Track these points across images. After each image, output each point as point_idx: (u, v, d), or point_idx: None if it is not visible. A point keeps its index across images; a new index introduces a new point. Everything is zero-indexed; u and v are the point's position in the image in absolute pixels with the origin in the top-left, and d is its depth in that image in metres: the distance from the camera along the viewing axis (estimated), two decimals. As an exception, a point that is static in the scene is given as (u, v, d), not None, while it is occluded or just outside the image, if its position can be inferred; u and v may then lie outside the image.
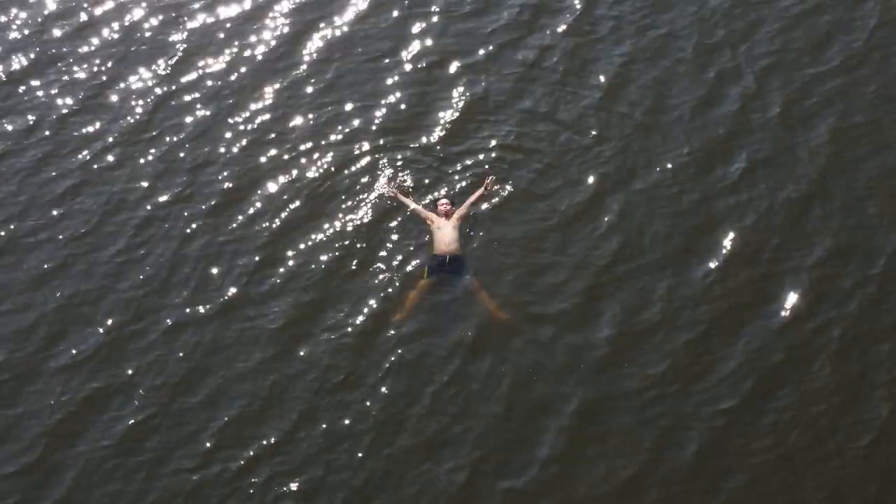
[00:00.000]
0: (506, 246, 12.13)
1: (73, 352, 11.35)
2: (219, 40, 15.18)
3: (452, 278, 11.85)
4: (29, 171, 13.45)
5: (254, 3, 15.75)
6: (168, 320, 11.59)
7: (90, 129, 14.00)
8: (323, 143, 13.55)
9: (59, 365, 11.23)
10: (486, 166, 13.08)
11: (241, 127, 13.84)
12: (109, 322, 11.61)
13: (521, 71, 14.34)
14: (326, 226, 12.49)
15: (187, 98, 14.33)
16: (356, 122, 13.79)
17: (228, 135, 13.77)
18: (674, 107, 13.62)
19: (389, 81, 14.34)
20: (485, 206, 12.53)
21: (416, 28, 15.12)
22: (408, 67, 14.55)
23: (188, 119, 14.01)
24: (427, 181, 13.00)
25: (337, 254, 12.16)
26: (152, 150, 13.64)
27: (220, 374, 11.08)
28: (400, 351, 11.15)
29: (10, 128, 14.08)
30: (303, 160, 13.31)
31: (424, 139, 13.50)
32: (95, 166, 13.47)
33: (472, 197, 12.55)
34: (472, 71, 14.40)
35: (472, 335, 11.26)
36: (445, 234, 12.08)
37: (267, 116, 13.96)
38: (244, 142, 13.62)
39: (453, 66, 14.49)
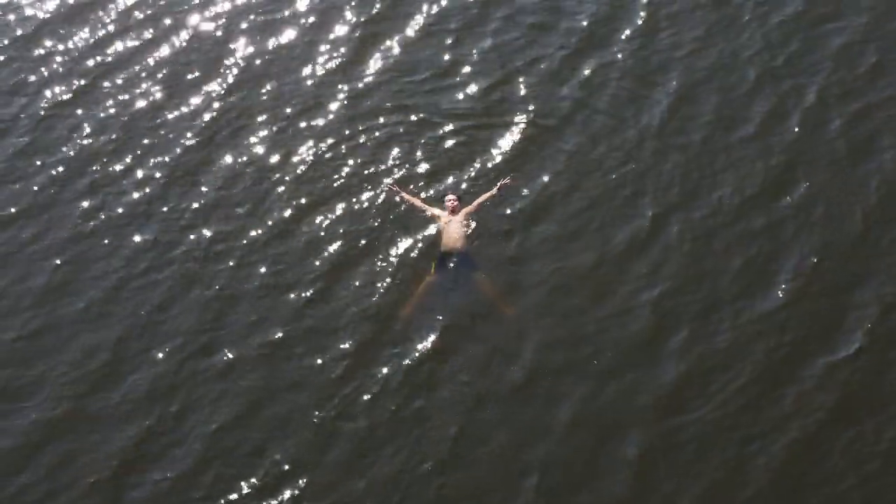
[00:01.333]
0: (556, 279, 11.83)
1: (128, 390, 11.13)
2: (273, 66, 15.15)
3: (459, 273, 11.87)
4: (79, 203, 13.35)
5: (305, 29, 15.74)
6: (224, 356, 11.39)
7: (139, 160, 13.90)
8: (378, 168, 13.42)
9: (114, 403, 11.01)
10: (512, 174, 12.96)
11: (297, 156, 13.69)
12: (164, 358, 11.40)
13: (578, 92, 14.17)
14: (372, 257, 12.34)
15: (238, 126, 14.24)
16: (412, 145, 13.69)
17: (283, 160, 13.65)
18: (733, 132, 13.35)
19: (446, 101, 14.27)
20: (534, 241, 12.24)
21: (473, 48, 15.07)
22: (465, 87, 14.47)
23: (240, 149, 13.90)
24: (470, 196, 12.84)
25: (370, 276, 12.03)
26: (205, 180, 13.51)
27: (276, 409, 10.88)
28: (444, 392, 10.87)
29: (72, 151, 14.05)
30: (353, 187, 13.18)
31: (478, 162, 13.36)
32: (147, 196, 13.36)
33: (484, 196, 12.61)
34: (529, 90, 14.26)
35: (523, 372, 10.98)
36: (452, 230, 12.18)
37: (322, 145, 13.82)
38: (299, 171, 13.47)
39: (510, 87, 14.36)
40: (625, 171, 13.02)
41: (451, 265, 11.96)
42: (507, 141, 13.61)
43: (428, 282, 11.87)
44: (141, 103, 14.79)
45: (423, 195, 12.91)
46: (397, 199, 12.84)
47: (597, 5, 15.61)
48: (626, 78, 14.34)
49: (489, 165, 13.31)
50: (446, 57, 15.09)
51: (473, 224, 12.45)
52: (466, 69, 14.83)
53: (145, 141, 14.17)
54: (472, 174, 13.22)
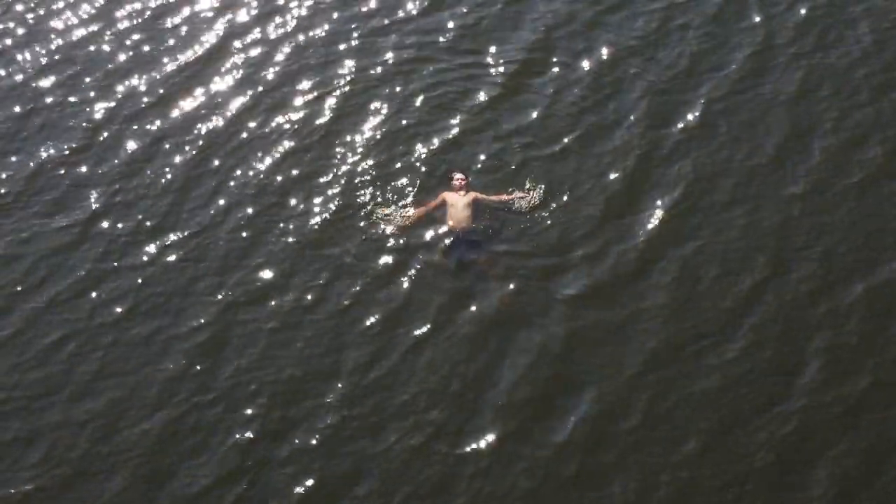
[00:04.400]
0: (664, 339, 11.12)
1: (208, 471, 10.64)
2: (357, 122, 14.54)
3: (465, 254, 12.05)
4: (148, 269, 12.84)
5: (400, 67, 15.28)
6: (297, 437, 10.88)
7: (216, 216, 13.41)
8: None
9: (188, 490, 10.55)
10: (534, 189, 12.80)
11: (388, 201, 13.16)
12: (247, 434, 10.90)
13: (683, 132, 13.44)
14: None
15: (319, 176, 13.76)
16: (517, 174, 13.25)
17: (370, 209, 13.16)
18: (843, 181, 12.46)
19: (546, 138, 13.70)
20: (641, 296, 11.50)
21: (574, 77, 14.54)
22: (571, 120, 13.89)
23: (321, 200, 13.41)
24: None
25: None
26: (285, 237, 12.99)
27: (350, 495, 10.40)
28: (544, 451, 10.31)
29: (145, 210, 13.59)
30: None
31: (585, 195, 12.81)
32: (225, 259, 12.80)
33: (500, 197, 12.56)
34: (630, 127, 13.64)
35: (625, 439, 10.33)
36: (458, 210, 12.29)
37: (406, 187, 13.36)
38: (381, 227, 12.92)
39: (615, 124, 13.75)
40: (731, 218, 12.25)
41: (458, 244, 12.09)
42: (611, 177, 13.00)
43: (440, 262, 12.02)
44: (209, 155, 14.35)
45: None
46: (407, 223, 12.62)
47: (698, 45, 14.87)
48: (731, 120, 13.49)
49: (593, 198, 12.74)
50: (550, 85, 14.54)
51: (485, 197, 12.54)
52: (569, 98, 14.25)
53: (221, 201, 13.68)
54: (578, 205, 12.69)
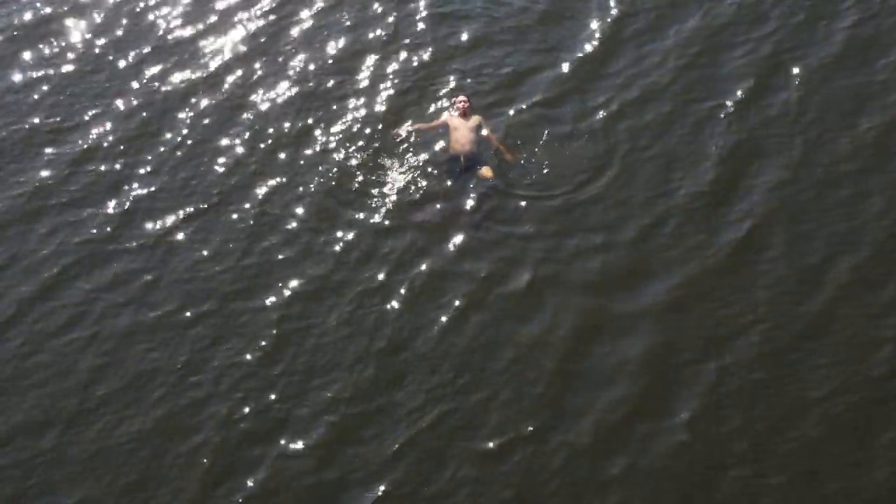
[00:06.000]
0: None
1: (232, 456, 9.76)
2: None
3: (468, 177, 11.83)
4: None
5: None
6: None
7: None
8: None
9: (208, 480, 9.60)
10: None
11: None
12: (266, 422, 9.99)
13: (779, 108, 12.61)
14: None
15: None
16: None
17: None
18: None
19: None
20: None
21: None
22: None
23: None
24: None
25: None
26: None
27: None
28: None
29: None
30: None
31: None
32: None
33: (500, 145, 12.15)
34: (720, 104, 12.80)
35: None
36: (462, 133, 11.99)
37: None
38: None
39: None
40: (834, 203, 11.46)
41: (462, 168, 11.82)
42: (704, 159, 12.17)
43: (446, 190, 11.81)
44: (217, 131, 13.33)
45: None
46: (404, 135, 12.34)
47: (796, 16, 13.97)
48: (832, 97, 12.64)
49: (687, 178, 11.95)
50: (635, 53, 13.74)
51: (484, 131, 12.15)
52: (658, 71, 13.44)
53: (234, 177, 12.64)
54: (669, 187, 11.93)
